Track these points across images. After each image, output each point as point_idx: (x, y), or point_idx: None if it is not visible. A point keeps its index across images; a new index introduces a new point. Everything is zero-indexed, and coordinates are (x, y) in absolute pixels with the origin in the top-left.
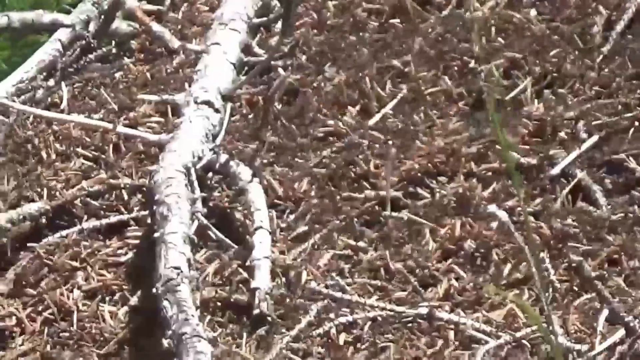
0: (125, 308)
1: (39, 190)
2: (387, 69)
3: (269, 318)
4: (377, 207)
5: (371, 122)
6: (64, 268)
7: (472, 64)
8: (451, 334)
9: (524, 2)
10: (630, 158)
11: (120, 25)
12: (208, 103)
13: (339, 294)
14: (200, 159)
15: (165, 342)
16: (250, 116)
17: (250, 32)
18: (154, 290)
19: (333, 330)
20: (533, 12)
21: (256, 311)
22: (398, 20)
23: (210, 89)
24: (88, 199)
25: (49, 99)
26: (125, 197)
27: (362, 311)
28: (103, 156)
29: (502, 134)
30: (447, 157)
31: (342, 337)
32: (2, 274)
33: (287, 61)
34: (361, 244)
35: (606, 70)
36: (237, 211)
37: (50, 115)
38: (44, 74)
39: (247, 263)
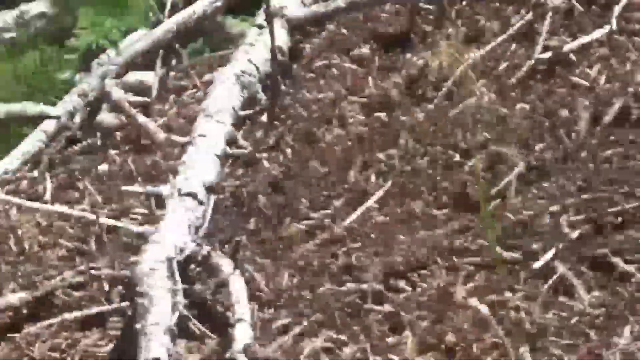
0: None
1: (20, 280)
2: (373, 162)
3: None
4: (358, 300)
5: (355, 215)
6: (45, 359)
7: (457, 158)
8: None
9: (511, 95)
10: (613, 253)
11: (105, 116)
12: (192, 195)
13: None
14: (182, 251)
15: None
16: (234, 208)
17: (236, 124)
18: None
19: None
20: (519, 106)
21: None
22: (384, 114)
23: (195, 180)
24: (69, 290)
25: (34, 190)
26: (107, 288)
27: None
28: (85, 247)
29: (488, 227)
30: (429, 250)
31: None
32: None
33: (271, 154)
34: (342, 336)
35: (591, 165)
36: (218, 303)
37: (34, 205)
38: (29, 165)
39: (227, 355)
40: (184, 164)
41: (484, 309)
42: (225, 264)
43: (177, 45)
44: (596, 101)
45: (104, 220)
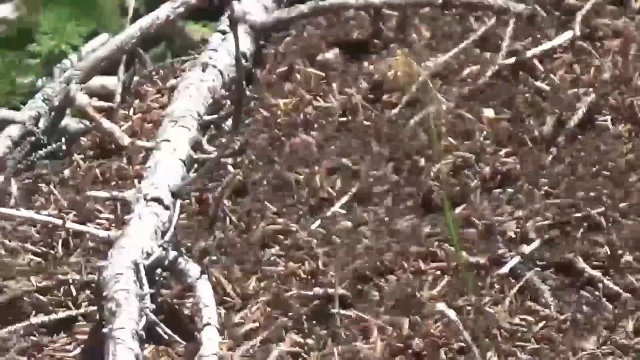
0: None
1: None
2: (337, 167)
3: None
4: (325, 305)
5: (320, 220)
6: None
7: (422, 163)
8: None
9: (474, 100)
10: (579, 258)
11: (70, 121)
12: (158, 200)
13: None
14: (149, 255)
15: None
16: (199, 213)
17: (201, 129)
18: None
19: None
20: (484, 113)
21: None
22: (348, 120)
23: (160, 185)
24: (36, 295)
25: None
26: (74, 292)
27: None
28: (52, 252)
29: (454, 232)
30: (396, 255)
31: None
32: None
33: (237, 158)
34: (309, 341)
35: (556, 170)
36: (185, 308)
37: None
38: None
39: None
40: (149, 169)
41: (451, 314)
42: (192, 269)
43: (140, 51)
44: (560, 106)
45: (70, 225)
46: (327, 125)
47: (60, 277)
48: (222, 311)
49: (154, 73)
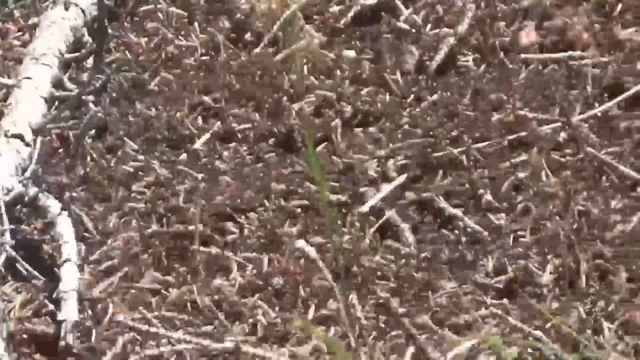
0: None
1: None
2: (199, 105)
3: (75, 350)
4: (186, 242)
5: (182, 157)
6: None
7: (284, 102)
8: None
9: (336, 41)
10: (440, 197)
11: None
12: (18, 137)
13: (145, 327)
14: (9, 191)
15: None
16: (60, 150)
17: (62, 67)
18: None
19: None
20: (345, 53)
21: (62, 343)
22: (210, 58)
23: (21, 122)
24: None
25: None
26: None
27: (169, 344)
28: None
29: (316, 170)
30: (257, 192)
31: None
32: None
33: (98, 96)
34: (169, 278)
35: (417, 109)
36: (45, 244)
37: None
38: None
39: (54, 295)
40: (10, 106)
41: (312, 252)
42: (52, 205)
43: None
44: (422, 47)
45: None
46: (189, 64)
47: None
48: (83, 247)
49: (15, 11)
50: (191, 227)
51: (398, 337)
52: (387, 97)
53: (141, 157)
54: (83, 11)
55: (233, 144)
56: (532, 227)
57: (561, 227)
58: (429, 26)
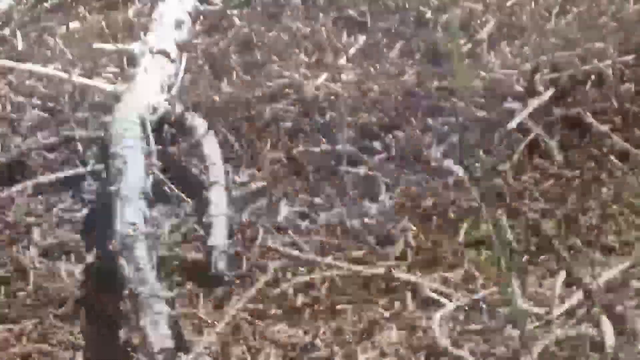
0: (82, 266)
1: None
2: (341, 19)
3: (226, 277)
4: (333, 162)
5: (327, 74)
6: (20, 223)
7: (428, 15)
8: (409, 295)
9: None
10: (587, 112)
11: None
12: (164, 53)
13: (295, 253)
14: (155, 110)
15: (123, 302)
16: (206, 67)
17: None
18: (110, 247)
19: (290, 291)
20: None
21: (213, 270)
22: None
23: (166, 38)
24: (43, 152)
25: (4, 48)
26: (81, 149)
27: (320, 270)
28: (58, 107)
29: (463, 83)
30: (403, 109)
31: (300, 299)
32: None
33: (242, 11)
34: (318, 200)
35: (564, 20)
36: (192, 165)
37: (6, 64)
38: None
39: (204, 220)
40: (155, 22)
41: (460, 171)
42: (199, 125)
43: None
44: None
45: (76, 79)
46: None
47: (67, 133)
48: (230, 168)
49: None
50: (338, 147)
51: (549, 260)
52: (534, 7)
53: (286, 72)
54: None
55: (378, 59)
56: None
57: None
58: None
